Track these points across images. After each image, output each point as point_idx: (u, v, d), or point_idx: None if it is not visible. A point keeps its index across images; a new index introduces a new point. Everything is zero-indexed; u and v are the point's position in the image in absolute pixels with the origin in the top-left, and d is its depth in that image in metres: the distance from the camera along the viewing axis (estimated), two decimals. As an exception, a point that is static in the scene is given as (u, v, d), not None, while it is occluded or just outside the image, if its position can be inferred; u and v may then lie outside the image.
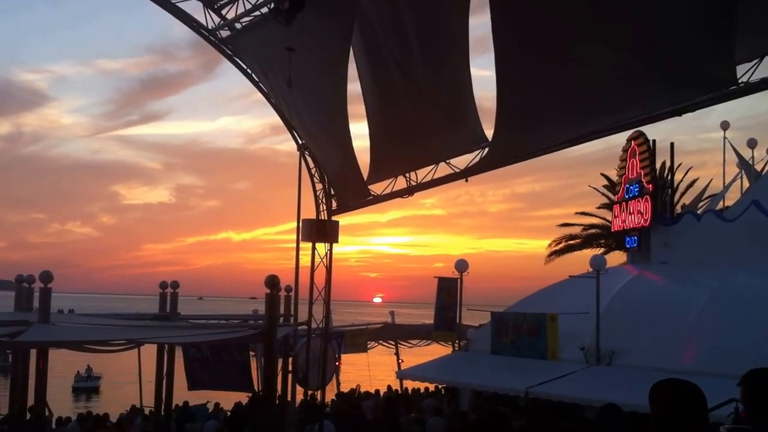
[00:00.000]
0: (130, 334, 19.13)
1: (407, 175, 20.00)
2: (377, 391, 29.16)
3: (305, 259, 21.08)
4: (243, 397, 24.10)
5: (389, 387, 29.75)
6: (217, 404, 26.45)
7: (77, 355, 18.05)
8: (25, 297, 21.94)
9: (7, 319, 20.29)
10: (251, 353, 23.24)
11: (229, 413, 23.98)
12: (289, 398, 21.89)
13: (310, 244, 20.96)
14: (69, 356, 18.68)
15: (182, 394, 23.78)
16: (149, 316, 24.35)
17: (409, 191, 20.02)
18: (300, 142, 21.30)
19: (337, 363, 27.58)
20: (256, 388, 21.42)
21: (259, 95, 21.05)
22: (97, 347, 19.29)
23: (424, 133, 18.51)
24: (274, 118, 21.58)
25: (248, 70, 20.46)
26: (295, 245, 21.12)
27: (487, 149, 17.83)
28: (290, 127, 21.46)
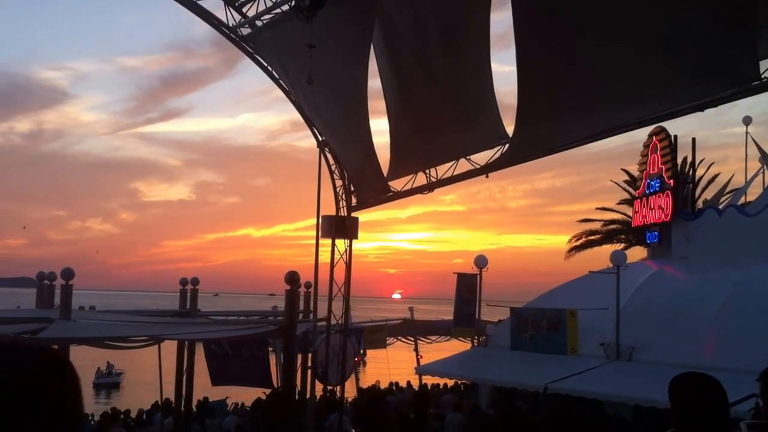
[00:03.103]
0: (151, 330, 19.23)
1: (427, 171, 19.99)
2: (398, 387, 29.20)
3: (324, 256, 21.15)
4: (262, 393, 24.20)
5: (409, 383, 29.79)
6: (236, 403, 26.58)
7: (98, 351, 18.16)
8: (47, 294, 22.10)
9: (29, 316, 20.48)
10: (270, 349, 23.34)
11: (249, 408, 24.12)
12: (308, 394, 21.95)
13: (329, 240, 21.02)
14: (90, 353, 18.79)
15: (202, 390, 23.90)
16: (170, 313, 24.48)
17: (429, 187, 20.02)
18: (320, 138, 21.34)
19: (356, 359, 27.64)
20: (275, 383, 21.49)
21: (279, 92, 21.12)
22: (118, 344, 19.40)
23: (445, 129, 18.49)
24: (294, 115, 21.64)
25: (269, 67, 20.53)
26: (314, 242, 21.20)
27: (507, 145, 17.79)
28: (310, 124, 21.51)
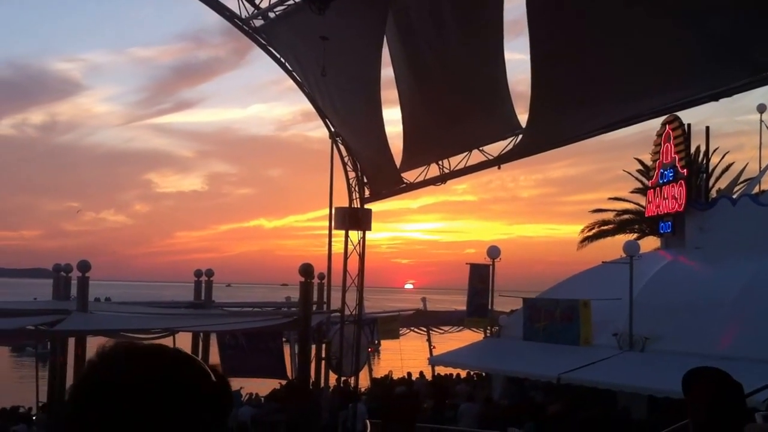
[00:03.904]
0: (167, 322, 19.41)
1: (440, 162, 20.00)
2: (411, 377, 29.30)
3: (337, 246, 21.23)
4: (278, 384, 24.38)
5: (422, 373, 29.88)
6: (250, 394, 26.72)
7: (107, 341, 18.39)
8: (63, 286, 22.26)
9: (46, 308, 20.68)
10: (283, 339, 23.46)
11: (263, 399, 24.27)
12: (322, 384, 22.07)
13: (342, 231, 21.09)
14: (100, 342, 19.01)
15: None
16: (184, 304, 24.64)
17: (442, 179, 20.03)
18: (332, 129, 21.38)
19: (370, 349, 27.74)
20: (289, 375, 21.63)
21: (291, 82, 21.14)
22: (134, 335, 19.57)
23: (458, 119, 18.48)
24: (306, 105, 21.64)
25: (282, 59, 20.54)
26: (327, 232, 21.27)
27: (520, 136, 17.77)
28: (323, 115, 21.54)
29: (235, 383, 23.99)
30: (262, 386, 26.29)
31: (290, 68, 20.75)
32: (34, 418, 22.79)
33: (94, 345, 18.76)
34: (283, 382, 23.58)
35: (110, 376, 1.44)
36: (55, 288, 22.61)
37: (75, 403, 1.47)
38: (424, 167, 20.32)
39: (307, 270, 17.49)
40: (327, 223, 21.35)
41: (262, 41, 20.20)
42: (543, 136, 17.35)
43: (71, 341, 18.97)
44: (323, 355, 20.82)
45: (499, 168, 18.89)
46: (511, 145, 18.32)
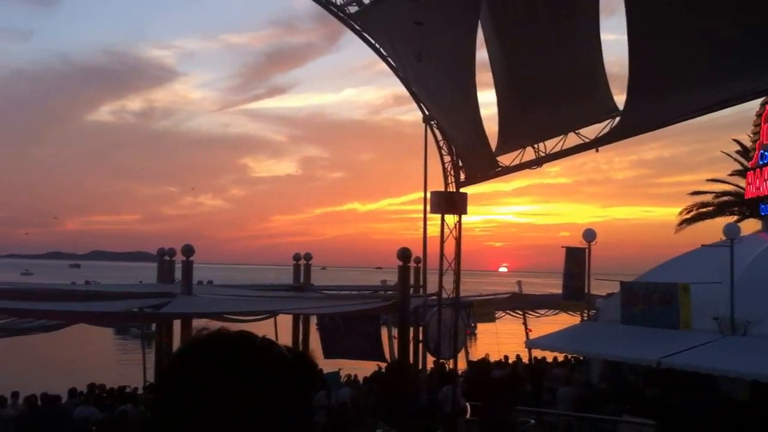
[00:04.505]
0: (268, 305, 19.99)
1: (536, 145, 19.92)
2: (507, 360, 29.34)
3: (432, 229, 21.39)
4: (376, 366, 24.74)
5: (518, 357, 29.87)
6: (348, 375, 27.19)
7: (216, 324, 19.06)
8: (167, 269, 23.07)
9: (152, 290, 21.49)
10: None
11: (361, 381, 24.65)
12: (419, 367, 22.36)
13: (435, 214, 21.23)
14: (204, 325, 19.71)
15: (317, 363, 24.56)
16: (284, 287, 25.25)
17: (537, 162, 19.94)
18: (426, 113, 21.50)
19: (466, 332, 27.86)
20: (386, 357, 21.96)
21: (382, 66, 21.35)
22: (237, 317, 20.20)
23: (553, 103, 18.37)
24: (398, 89, 21.90)
25: (376, 44, 20.75)
26: (421, 215, 21.46)
27: (618, 118, 17.56)
28: (417, 99, 21.68)
29: (334, 365, 24.53)
30: (358, 369, 26.74)
31: (385, 54, 20.95)
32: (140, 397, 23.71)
33: (196, 324, 19.53)
34: (382, 365, 23.94)
35: (193, 362, 1.52)
36: (159, 271, 23.40)
37: (161, 388, 1.55)
38: (520, 150, 20.27)
39: (404, 254, 17.78)
40: (421, 207, 21.55)
41: (357, 27, 20.46)
42: (641, 118, 17.11)
43: (176, 322, 19.71)
44: (420, 338, 21.08)
45: (596, 151, 18.71)
46: (607, 128, 18.13)
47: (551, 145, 19.53)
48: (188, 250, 19.65)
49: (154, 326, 24.55)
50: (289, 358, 1.54)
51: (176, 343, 19.60)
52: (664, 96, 15.57)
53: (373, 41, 20.68)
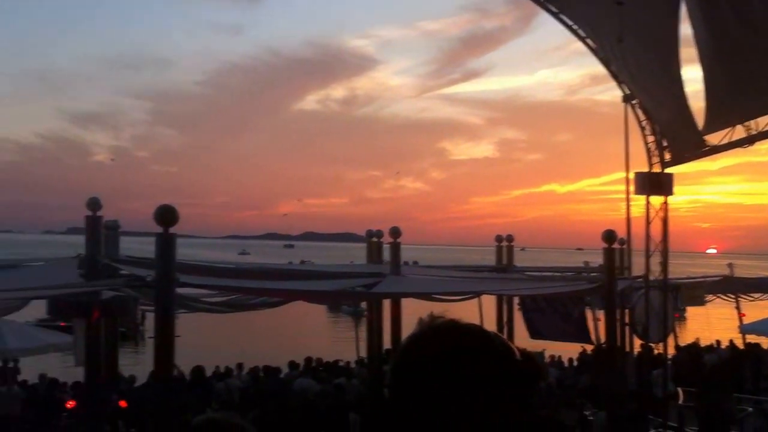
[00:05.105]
0: (473, 286, 20.44)
1: (746, 122, 19.09)
2: (718, 344, 28.34)
3: (634, 210, 21.05)
4: (581, 347, 24.68)
5: (732, 342, 28.74)
6: (552, 356, 27.21)
7: (418, 303, 19.77)
8: (376, 250, 24.03)
9: (363, 271, 22.51)
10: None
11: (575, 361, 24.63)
12: (626, 350, 22.07)
13: (637, 196, 20.86)
14: (410, 303, 20.48)
15: (521, 343, 24.84)
16: (487, 268, 25.61)
17: (749, 140, 19.10)
18: (626, 92, 21.12)
19: (675, 315, 27.10)
20: (592, 339, 21.84)
21: (577, 46, 21.14)
22: (442, 297, 20.79)
23: (765, 79, 17.55)
24: (594, 69, 21.74)
25: (574, 26, 20.60)
26: (622, 196, 21.14)
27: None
28: (617, 79, 21.34)
29: (538, 346, 24.70)
30: (561, 350, 26.73)
31: (583, 34, 20.75)
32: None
33: (406, 306, 20.29)
34: (588, 347, 23.84)
35: (431, 348, 1.62)
36: (368, 252, 24.40)
37: (400, 368, 1.67)
38: (728, 129, 19.50)
39: (609, 236, 17.67)
40: (622, 187, 21.23)
41: (554, 9, 20.38)
42: None
43: (386, 302, 20.59)
44: (626, 321, 20.82)
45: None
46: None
47: (764, 122, 18.67)
48: (396, 232, 20.42)
49: (363, 304, 25.69)
50: (516, 353, 1.66)
51: (386, 321, 20.49)
52: None
53: (570, 22, 20.54)
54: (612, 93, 21.58)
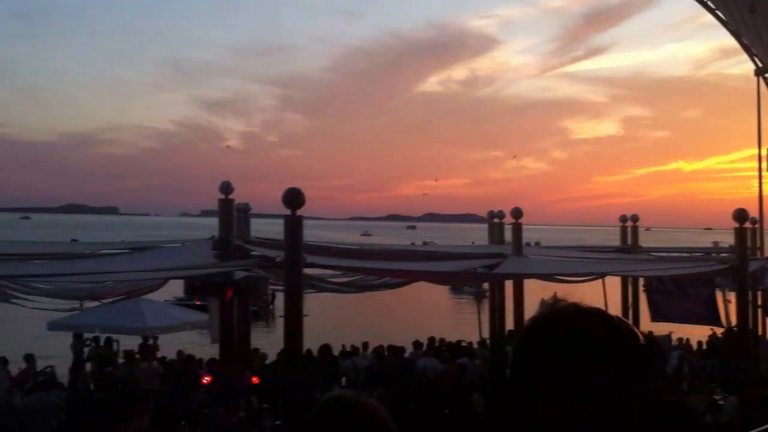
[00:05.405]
0: (597, 267, 20.18)
1: None
2: None
3: (766, 188, 20.28)
4: (710, 330, 23.98)
5: None
6: (680, 339, 26.55)
7: (540, 283, 19.68)
8: (497, 231, 24.00)
9: (485, 252, 22.55)
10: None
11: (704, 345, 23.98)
12: (759, 332, 21.36)
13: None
14: (533, 284, 20.38)
15: (648, 326, 24.34)
16: (611, 249, 25.19)
17: None
18: (759, 65, 20.35)
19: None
20: (722, 322, 21.21)
21: (705, 18, 20.59)
22: (564, 278, 20.61)
23: None
24: (723, 41, 21.09)
25: (705, -1, 19.99)
26: (754, 173, 20.44)
27: None
28: (750, 52, 20.60)
29: (665, 329, 24.17)
30: (688, 333, 26.02)
31: (713, 6, 20.12)
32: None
33: (528, 286, 20.24)
34: (718, 330, 23.15)
35: (553, 331, 1.63)
36: (490, 233, 24.39)
37: (522, 349, 1.67)
38: None
39: (741, 215, 17.12)
40: (754, 164, 20.52)
41: (683, -17, 19.82)
42: None
43: (508, 283, 20.58)
44: (759, 303, 20.14)
45: None
46: None
47: None
48: (517, 213, 20.36)
49: (486, 285, 25.71)
50: (640, 337, 1.65)
51: (508, 302, 20.49)
52: None
53: (701, -5, 19.93)
54: (743, 66, 20.94)
